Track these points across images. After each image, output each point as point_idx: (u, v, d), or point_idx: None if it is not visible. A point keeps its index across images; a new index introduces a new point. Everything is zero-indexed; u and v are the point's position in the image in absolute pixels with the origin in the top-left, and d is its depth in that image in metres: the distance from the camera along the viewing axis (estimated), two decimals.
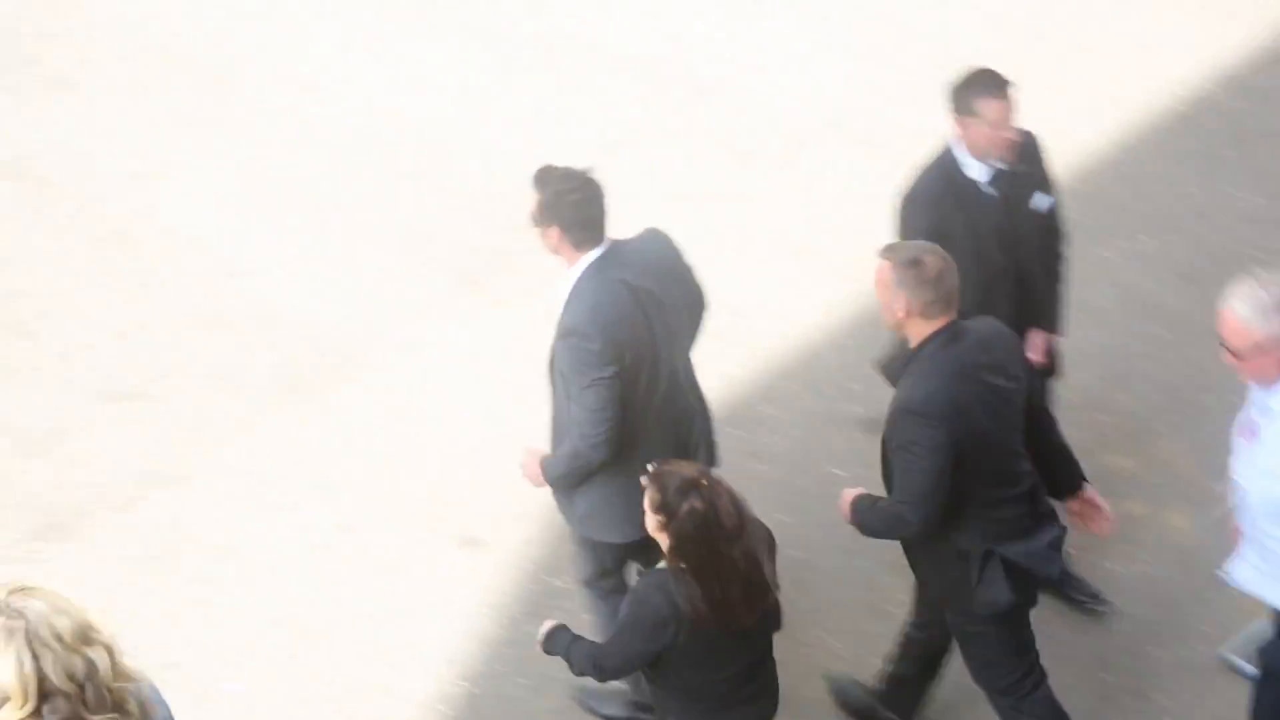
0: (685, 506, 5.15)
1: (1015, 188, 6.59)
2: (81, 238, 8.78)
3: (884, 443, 5.79)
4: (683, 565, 5.20)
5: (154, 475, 7.68)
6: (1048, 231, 6.75)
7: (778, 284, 8.54)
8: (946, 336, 5.68)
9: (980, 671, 6.13)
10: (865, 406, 7.62)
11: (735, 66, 9.85)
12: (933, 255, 5.67)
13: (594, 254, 5.98)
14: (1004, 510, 5.81)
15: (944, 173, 6.54)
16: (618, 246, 6.05)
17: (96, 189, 9.06)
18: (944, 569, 5.91)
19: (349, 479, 7.65)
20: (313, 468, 7.71)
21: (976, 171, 6.53)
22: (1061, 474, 6.03)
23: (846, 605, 7.09)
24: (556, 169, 6.00)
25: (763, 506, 7.17)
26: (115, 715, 4.47)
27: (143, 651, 6.86)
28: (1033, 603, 6.01)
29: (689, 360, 6.27)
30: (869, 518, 5.89)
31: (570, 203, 5.92)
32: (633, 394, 5.99)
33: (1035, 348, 6.72)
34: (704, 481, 5.19)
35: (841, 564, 7.22)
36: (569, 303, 5.99)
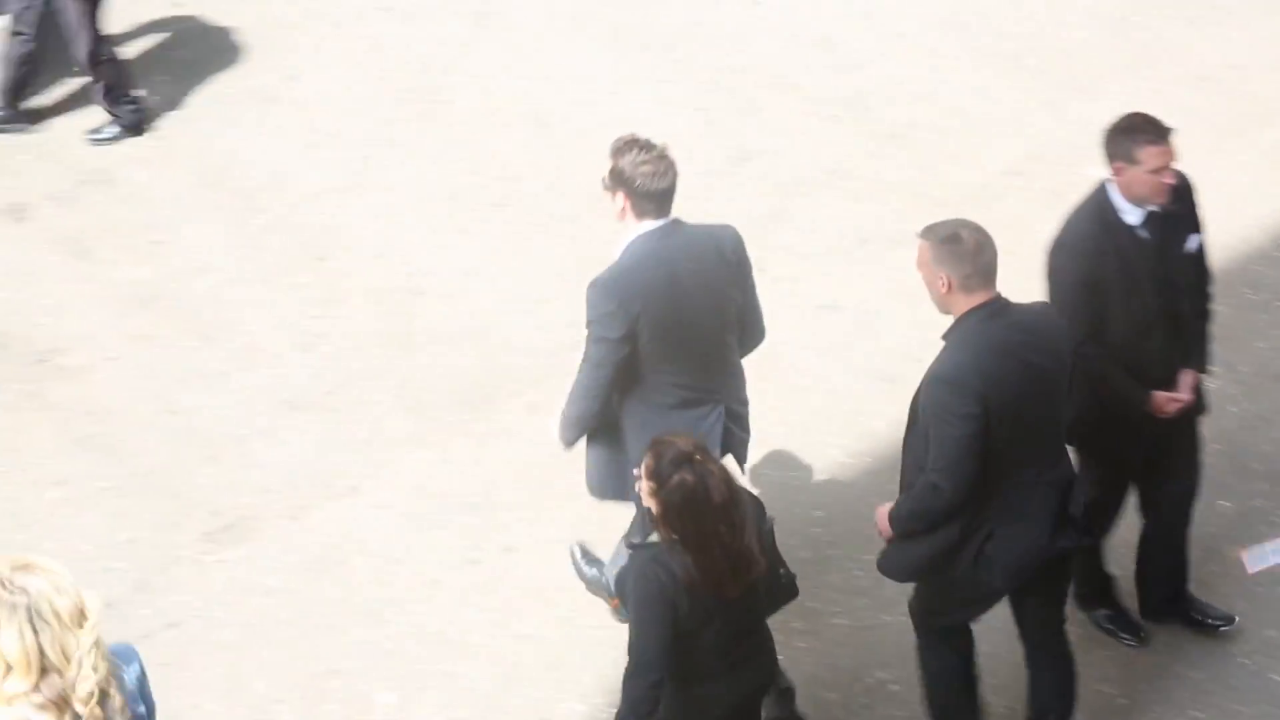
0: (676, 478, 5.32)
1: (1169, 230, 6.54)
2: (274, 248, 8.92)
3: (913, 410, 5.91)
4: (673, 536, 5.39)
5: (326, 485, 7.77)
6: (1197, 271, 6.70)
7: None
8: (988, 312, 5.80)
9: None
10: None
11: (928, 110, 9.78)
12: (969, 230, 5.82)
13: (652, 225, 6.20)
14: (1028, 496, 5.90)
15: (1098, 218, 6.47)
16: (677, 225, 6.27)
17: (291, 201, 9.20)
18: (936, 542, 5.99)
19: (516, 499, 7.68)
20: (481, 486, 7.75)
21: (1131, 216, 6.48)
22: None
23: None
24: (637, 141, 6.23)
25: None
26: (99, 696, 4.56)
27: (303, 658, 7.04)
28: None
29: (722, 345, 6.41)
30: (903, 508, 5.97)
31: (641, 174, 6.13)
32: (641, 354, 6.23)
33: (1185, 385, 6.68)
34: (697, 456, 5.34)
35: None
36: (611, 264, 6.27)
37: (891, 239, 8.80)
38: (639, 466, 5.51)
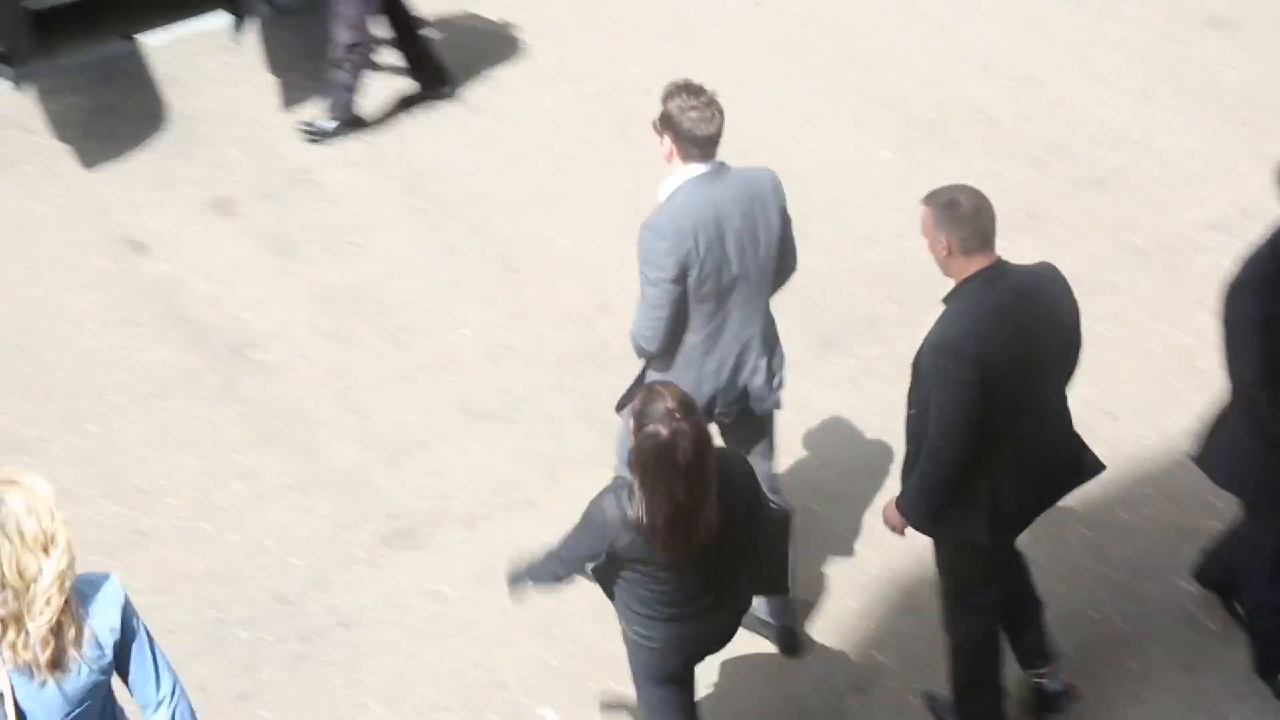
0: (651, 428, 5.44)
1: None
2: (468, 258, 8.99)
3: (913, 381, 6.07)
4: (637, 479, 5.54)
5: (504, 496, 7.82)
6: None
7: (1153, 387, 8.33)
8: (986, 277, 5.96)
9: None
10: (1223, 522, 7.38)
11: (1133, 156, 9.64)
12: (967, 195, 5.97)
13: (698, 168, 6.37)
14: (1027, 450, 6.07)
15: (1276, 257, 6.30)
16: (722, 169, 6.42)
17: (487, 213, 9.27)
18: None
19: None
20: None
21: None
22: None
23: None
24: (688, 86, 6.37)
25: (1102, 610, 7.05)
26: (53, 622, 4.67)
27: (469, 667, 7.09)
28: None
29: (762, 286, 6.57)
30: (912, 488, 6.13)
31: (689, 118, 6.29)
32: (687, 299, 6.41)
33: None
34: (678, 413, 5.44)
35: (1183, 682, 7.02)
36: (661, 205, 6.41)
37: (1090, 286, 8.70)
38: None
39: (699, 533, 5.60)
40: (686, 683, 6.17)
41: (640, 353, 6.57)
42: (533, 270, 8.93)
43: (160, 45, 10.33)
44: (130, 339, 8.59)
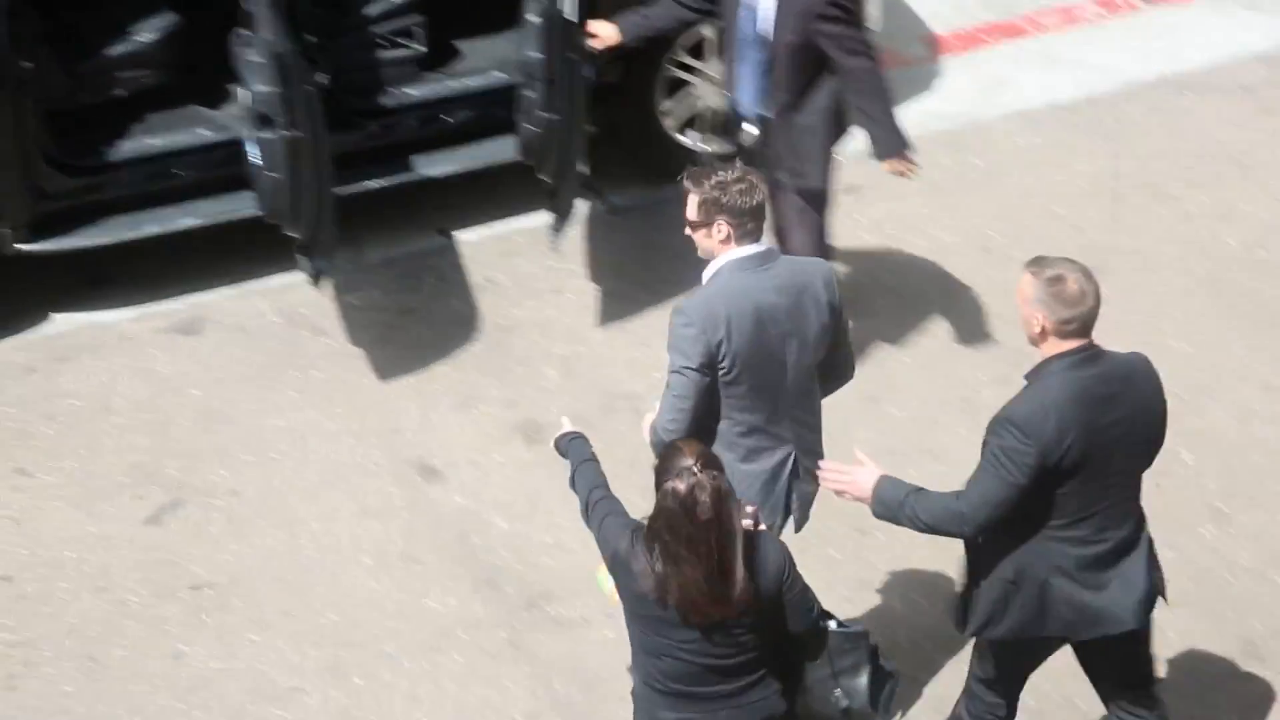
0: (670, 484, 5.26)
1: None
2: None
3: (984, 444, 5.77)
4: (653, 542, 5.32)
5: None
6: None
7: None
8: (1078, 359, 5.71)
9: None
10: None
11: None
12: (1076, 275, 5.68)
13: (743, 251, 6.08)
14: (1076, 546, 5.82)
15: None
16: (770, 255, 6.13)
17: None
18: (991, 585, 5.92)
19: None
20: None
21: None
22: None
23: None
24: (712, 167, 6.15)
25: None
26: None
27: None
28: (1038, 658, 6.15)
29: (802, 388, 6.23)
30: (920, 514, 5.80)
31: (732, 193, 6.01)
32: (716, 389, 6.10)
33: None
34: (697, 468, 5.26)
35: None
36: (702, 286, 6.14)
37: None
38: None
39: (715, 604, 5.32)
40: None
41: (657, 448, 6.04)
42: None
43: (475, 242, 9.32)
44: (411, 579, 7.49)
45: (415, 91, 8.98)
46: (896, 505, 5.85)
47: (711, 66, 9.25)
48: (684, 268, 7.24)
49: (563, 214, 8.76)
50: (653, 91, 9.29)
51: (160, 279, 8.84)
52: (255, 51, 7.79)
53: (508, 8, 8.60)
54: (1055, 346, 5.72)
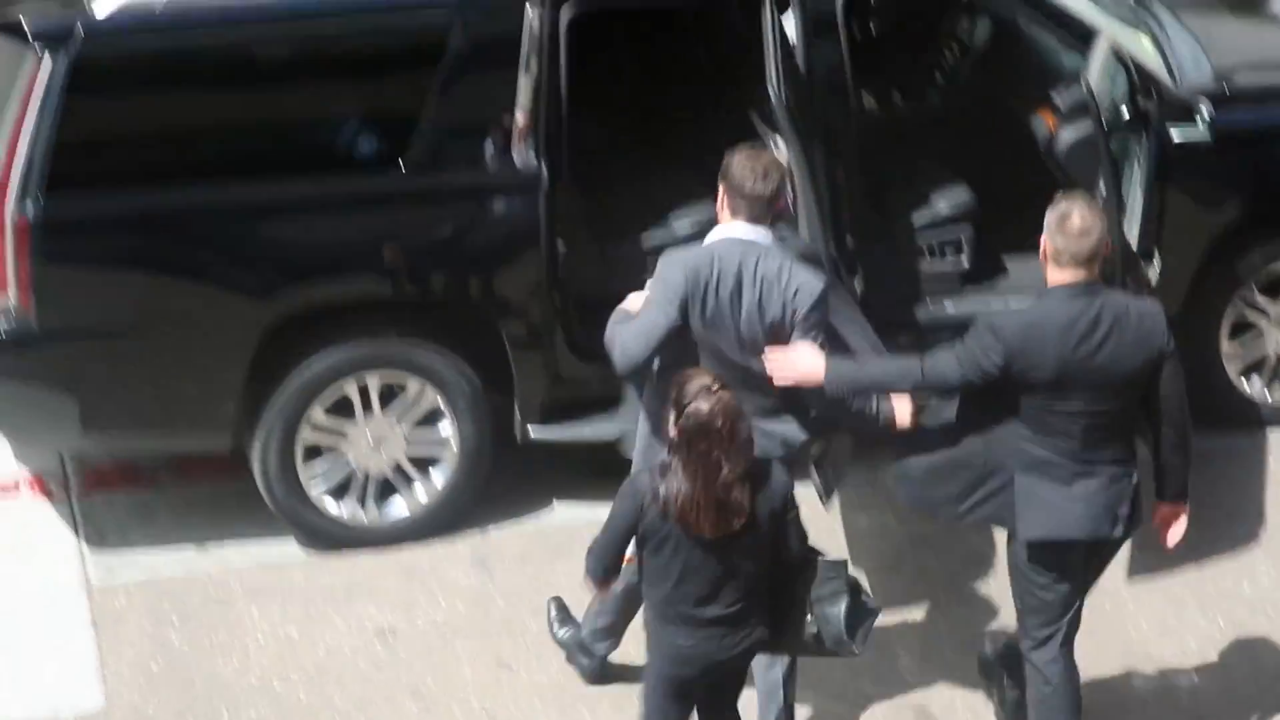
0: (692, 405, 5.93)
1: None
2: None
3: None
4: (674, 458, 5.99)
5: None
6: None
7: None
8: (1075, 292, 6.35)
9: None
10: None
11: None
12: (1085, 212, 6.35)
13: (739, 226, 6.61)
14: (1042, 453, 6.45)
15: None
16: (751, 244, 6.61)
17: None
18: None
19: None
20: None
21: None
22: (1160, 480, 6.63)
23: None
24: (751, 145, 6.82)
25: None
26: None
27: None
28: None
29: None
30: (867, 368, 6.71)
31: (738, 172, 6.58)
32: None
33: None
34: (715, 387, 5.97)
35: None
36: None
37: None
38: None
39: (726, 514, 5.96)
40: (687, 706, 6.35)
41: (621, 362, 6.66)
42: None
43: None
44: None
45: (953, 307, 8.50)
46: (852, 370, 6.59)
47: None
48: None
49: None
50: (1217, 330, 8.55)
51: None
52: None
53: None
54: (1056, 275, 6.38)
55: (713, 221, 6.89)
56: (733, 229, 6.62)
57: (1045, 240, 6.39)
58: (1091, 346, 6.32)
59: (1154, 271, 7.98)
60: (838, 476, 7.51)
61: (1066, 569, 6.60)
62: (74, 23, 7.44)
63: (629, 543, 6.15)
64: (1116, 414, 6.46)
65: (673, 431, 6.00)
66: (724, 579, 6.10)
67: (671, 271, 6.59)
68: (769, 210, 6.60)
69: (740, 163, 6.58)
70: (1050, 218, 6.37)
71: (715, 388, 5.95)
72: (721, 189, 6.64)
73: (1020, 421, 6.44)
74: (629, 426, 7.95)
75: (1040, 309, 6.39)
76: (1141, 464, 6.55)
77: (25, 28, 7.43)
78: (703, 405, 5.90)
